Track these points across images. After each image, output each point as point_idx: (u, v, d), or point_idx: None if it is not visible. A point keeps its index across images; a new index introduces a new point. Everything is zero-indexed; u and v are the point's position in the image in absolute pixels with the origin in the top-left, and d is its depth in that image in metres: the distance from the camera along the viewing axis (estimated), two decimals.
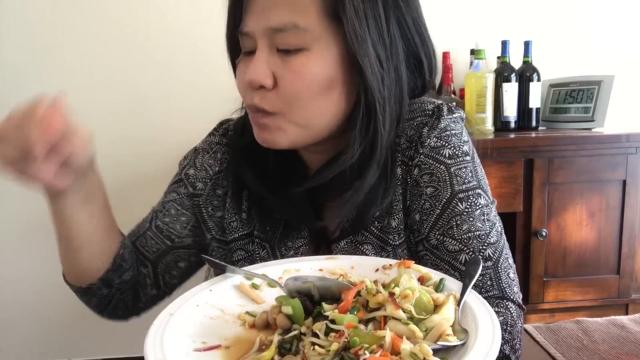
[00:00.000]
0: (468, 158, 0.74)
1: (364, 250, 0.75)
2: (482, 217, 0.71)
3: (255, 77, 0.67)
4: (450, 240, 0.71)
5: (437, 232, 0.72)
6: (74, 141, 0.60)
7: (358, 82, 0.68)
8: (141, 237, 0.85)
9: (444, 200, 0.72)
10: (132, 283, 0.83)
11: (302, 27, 0.65)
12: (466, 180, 0.72)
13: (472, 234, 0.70)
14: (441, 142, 0.73)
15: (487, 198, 0.73)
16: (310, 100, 0.68)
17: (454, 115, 0.75)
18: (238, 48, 0.73)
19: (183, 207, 0.85)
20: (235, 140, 0.84)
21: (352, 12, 0.65)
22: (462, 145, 0.74)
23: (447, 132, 0.74)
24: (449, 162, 0.73)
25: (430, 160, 0.73)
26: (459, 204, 0.71)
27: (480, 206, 0.72)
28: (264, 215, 0.79)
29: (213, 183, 0.84)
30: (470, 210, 0.71)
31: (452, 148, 0.73)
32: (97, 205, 0.73)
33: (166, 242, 0.84)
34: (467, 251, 0.70)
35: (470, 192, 0.72)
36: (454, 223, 0.71)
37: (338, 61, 0.68)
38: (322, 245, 0.78)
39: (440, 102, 0.77)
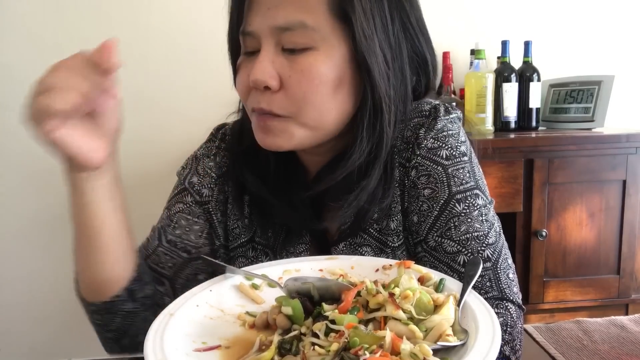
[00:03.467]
0: (465, 158, 0.74)
1: (363, 252, 0.75)
2: (481, 218, 0.71)
3: (261, 77, 0.65)
4: (448, 241, 0.71)
5: (435, 234, 0.72)
6: (112, 100, 0.56)
7: (364, 81, 0.68)
8: (152, 255, 0.80)
9: (442, 201, 0.71)
10: (153, 300, 0.76)
11: (309, 26, 0.65)
12: (464, 181, 0.72)
13: (471, 235, 0.70)
14: (438, 142, 0.73)
15: (485, 198, 0.73)
16: (318, 101, 0.67)
17: (451, 116, 0.75)
18: (239, 49, 0.72)
19: (193, 215, 0.81)
20: (233, 144, 0.82)
21: (360, 11, 0.66)
22: (460, 146, 0.74)
23: (444, 133, 0.73)
24: (446, 163, 0.72)
25: (428, 162, 0.73)
26: (457, 205, 0.71)
27: (478, 207, 0.72)
28: (266, 221, 0.79)
29: (218, 188, 0.82)
30: (468, 211, 0.71)
31: (449, 149, 0.73)
32: (119, 199, 0.66)
33: (182, 255, 0.80)
34: (466, 252, 0.70)
35: (468, 193, 0.72)
36: (452, 224, 0.71)
37: (345, 61, 0.67)
38: (323, 250, 0.77)
39: (437, 102, 0.77)
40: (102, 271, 0.68)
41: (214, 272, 0.82)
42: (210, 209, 0.82)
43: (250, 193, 0.79)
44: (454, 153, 0.73)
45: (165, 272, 0.80)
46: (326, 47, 0.66)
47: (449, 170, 0.72)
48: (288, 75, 0.66)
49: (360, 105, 0.70)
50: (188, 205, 0.81)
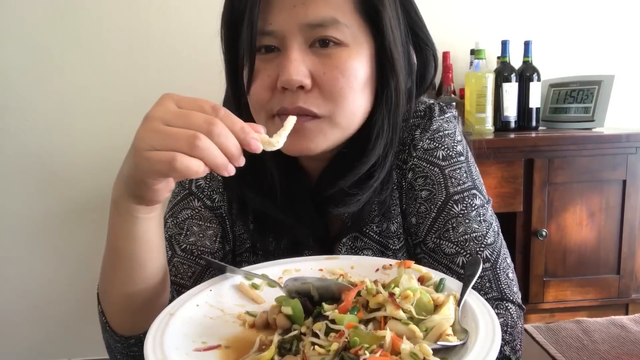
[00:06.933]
0: (462, 158, 0.74)
1: (365, 255, 0.74)
2: (478, 218, 0.71)
3: (296, 76, 0.63)
4: (447, 243, 0.71)
5: (433, 236, 0.72)
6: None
7: (389, 78, 0.68)
8: (168, 267, 0.72)
9: (439, 203, 0.71)
10: None
11: (341, 22, 0.64)
12: (461, 182, 0.72)
13: (469, 235, 0.70)
14: (434, 143, 0.73)
15: (482, 198, 0.73)
16: (352, 98, 0.66)
17: (446, 115, 0.75)
18: (240, 52, 0.67)
19: (205, 220, 0.77)
20: None
21: (388, 7, 0.67)
22: (456, 146, 0.74)
23: (440, 133, 0.74)
24: (443, 164, 0.72)
25: (424, 163, 0.73)
26: (455, 206, 0.71)
27: (475, 207, 0.72)
28: (268, 232, 0.77)
29: (227, 194, 0.79)
30: (466, 212, 0.71)
31: (446, 149, 0.73)
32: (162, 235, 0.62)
33: (200, 263, 0.76)
34: (464, 253, 0.70)
35: (465, 194, 0.72)
36: (450, 226, 0.71)
37: (370, 59, 0.68)
38: (325, 252, 0.77)
39: (431, 101, 0.77)
40: (142, 304, 0.63)
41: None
42: (223, 213, 0.79)
43: (253, 208, 0.77)
44: (450, 153, 0.73)
45: (185, 282, 0.75)
46: (356, 44, 0.66)
47: (446, 171, 0.72)
48: (322, 72, 0.64)
49: (382, 100, 0.69)
50: (197, 210, 0.77)
